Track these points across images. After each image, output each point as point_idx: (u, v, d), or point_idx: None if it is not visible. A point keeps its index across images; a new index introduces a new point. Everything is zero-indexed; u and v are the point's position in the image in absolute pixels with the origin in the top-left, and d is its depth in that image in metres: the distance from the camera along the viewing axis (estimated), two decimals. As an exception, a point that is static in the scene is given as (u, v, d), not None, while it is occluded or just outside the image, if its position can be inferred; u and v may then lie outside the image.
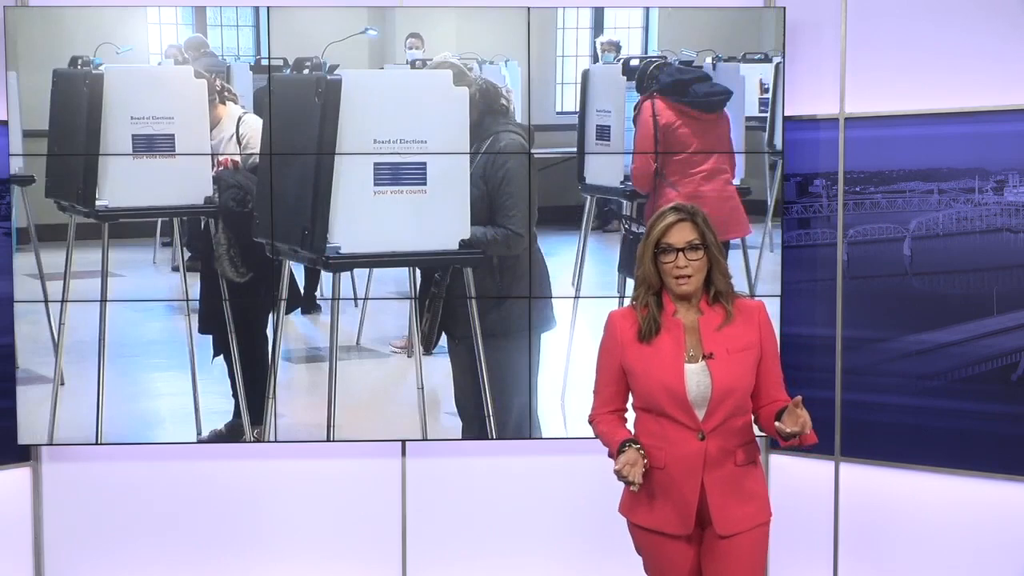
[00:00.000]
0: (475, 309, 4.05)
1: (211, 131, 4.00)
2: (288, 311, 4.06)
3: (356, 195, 3.93)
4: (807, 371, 2.78)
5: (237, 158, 3.98)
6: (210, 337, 4.10)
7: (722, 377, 2.72)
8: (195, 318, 4.08)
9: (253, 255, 4.02)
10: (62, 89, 3.96)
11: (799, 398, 2.65)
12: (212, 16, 4.03)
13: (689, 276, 2.74)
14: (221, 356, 4.09)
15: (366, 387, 4.11)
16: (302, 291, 4.11)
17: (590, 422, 2.93)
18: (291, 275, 4.05)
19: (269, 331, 4.05)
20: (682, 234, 2.74)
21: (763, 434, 2.90)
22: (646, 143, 4.02)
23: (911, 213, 3.95)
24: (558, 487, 4.22)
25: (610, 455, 2.80)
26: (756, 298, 2.89)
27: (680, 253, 2.73)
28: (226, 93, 3.99)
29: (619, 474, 2.67)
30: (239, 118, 3.99)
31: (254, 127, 3.97)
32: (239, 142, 3.98)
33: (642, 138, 4.03)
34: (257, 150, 3.97)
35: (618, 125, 4.04)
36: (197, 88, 3.97)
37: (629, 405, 2.92)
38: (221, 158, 3.98)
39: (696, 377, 2.73)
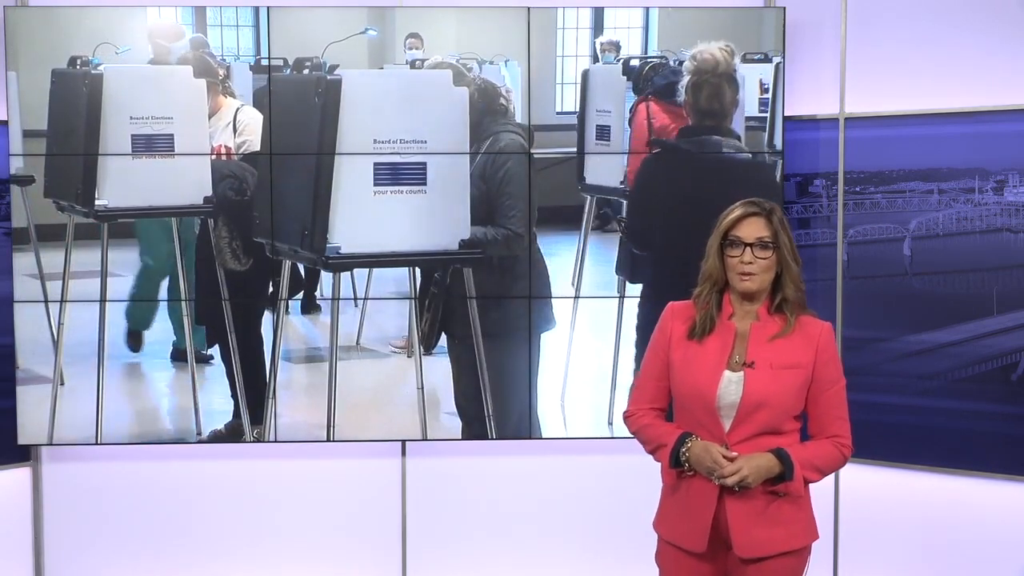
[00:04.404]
0: (475, 309, 4.05)
1: (209, 119, 3.99)
2: (290, 296, 4.05)
3: (356, 195, 3.93)
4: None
5: (231, 144, 3.98)
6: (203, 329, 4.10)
7: (754, 389, 2.55)
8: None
9: (254, 243, 4.01)
10: (61, 89, 3.96)
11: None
12: (212, 16, 4.03)
13: (753, 274, 2.58)
14: (218, 355, 4.09)
15: (366, 387, 4.11)
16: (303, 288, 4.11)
17: (627, 418, 2.75)
18: (292, 265, 4.04)
19: (265, 331, 4.04)
20: (753, 229, 2.59)
21: None
22: (640, 145, 4.02)
23: (911, 213, 3.95)
24: (558, 487, 4.22)
25: (652, 450, 2.68)
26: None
27: (748, 248, 2.58)
28: (228, 84, 4.00)
29: (711, 470, 2.51)
30: (238, 107, 3.99)
31: (252, 115, 3.98)
32: (235, 129, 3.98)
33: (637, 140, 4.02)
34: (253, 138, 3.96)
35: (618, 125, 4.03)
36: (196, 88, 3.97)
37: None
38: (215, 144, 3.98)
39: (730, 385, 2.57)
